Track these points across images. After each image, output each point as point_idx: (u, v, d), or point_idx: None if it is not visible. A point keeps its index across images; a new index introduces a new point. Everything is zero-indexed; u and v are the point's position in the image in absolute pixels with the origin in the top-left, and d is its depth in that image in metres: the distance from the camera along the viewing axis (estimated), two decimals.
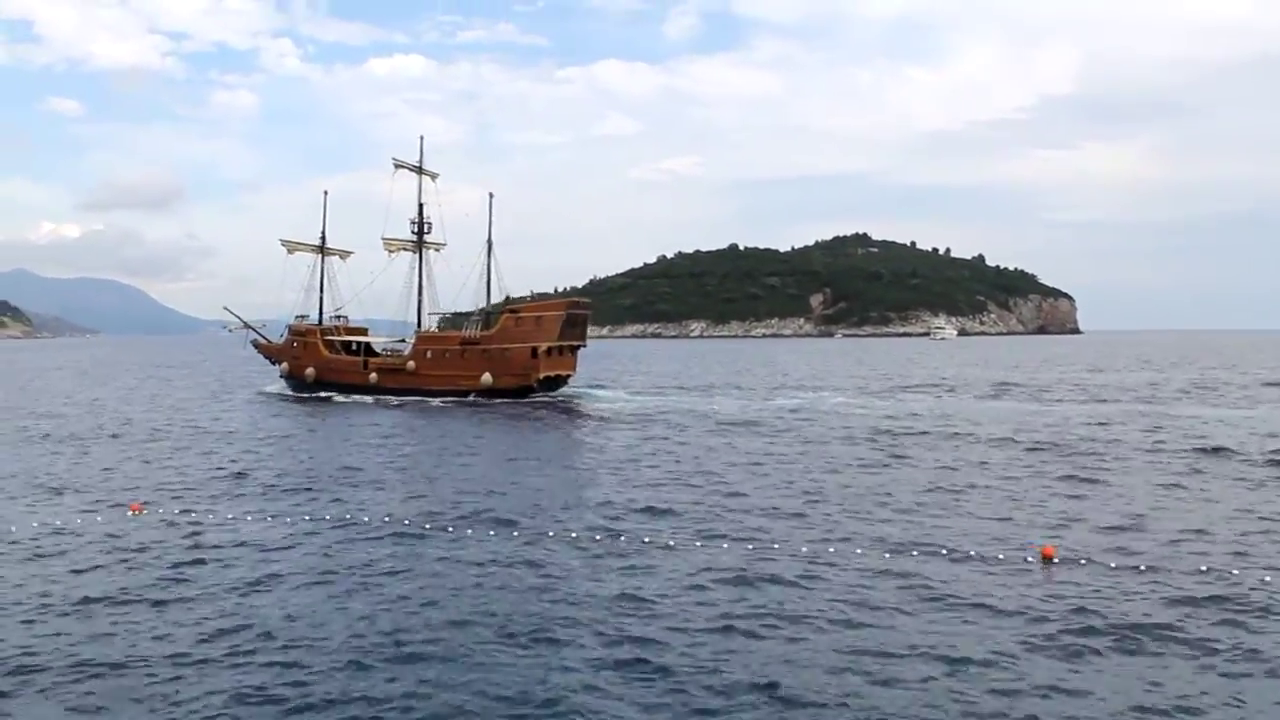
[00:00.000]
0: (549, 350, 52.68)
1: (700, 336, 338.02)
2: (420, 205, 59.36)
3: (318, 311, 61.60)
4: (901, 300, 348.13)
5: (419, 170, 59.24)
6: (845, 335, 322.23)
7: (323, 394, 55.69)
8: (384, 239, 59.08)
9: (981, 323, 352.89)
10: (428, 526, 18.91)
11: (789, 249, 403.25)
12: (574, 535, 18.07)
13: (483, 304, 57.67)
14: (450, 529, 18.64)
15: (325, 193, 63.42)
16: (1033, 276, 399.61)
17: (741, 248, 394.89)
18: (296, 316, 60.90)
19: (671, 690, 10.54)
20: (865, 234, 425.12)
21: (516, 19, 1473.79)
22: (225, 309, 68.31)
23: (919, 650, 11.64)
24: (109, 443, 33.68)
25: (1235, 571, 15.00)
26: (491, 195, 58.51)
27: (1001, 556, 16.17)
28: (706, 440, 33.83)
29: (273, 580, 15.01)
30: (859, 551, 16.63)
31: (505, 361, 52.78)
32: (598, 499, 22.08)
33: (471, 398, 52.14)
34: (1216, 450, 29.50)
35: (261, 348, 63.20)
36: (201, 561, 16.17)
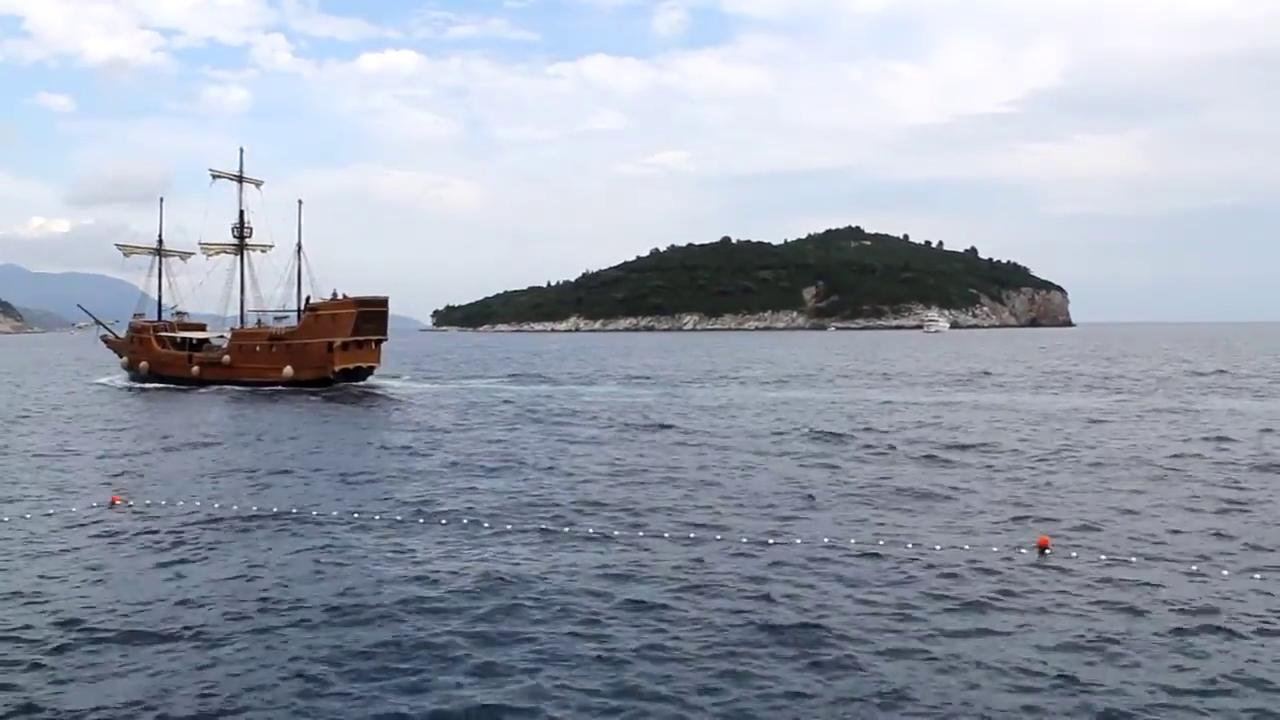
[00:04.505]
0: (344, 345, 56.94)
1: (693, 330, 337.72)
2: (241, 211, 63.58)
3: (157, 309, 65.99)
4: (894, 293, 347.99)
5: (239, 179, 63.55)
6: (838, 328, 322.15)
7: (152, 385, 59.86)
8: (201, 244, 63.72)
9: (974, 315, 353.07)
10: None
11: (781, 242, 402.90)
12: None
13: (291, 304, 61.78)
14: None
15: (161, 200, 67.85)
16: (1025, 269, 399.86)
17: (734, 241, 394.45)
18: (134, 314, 65.82)
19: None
20: (858, 227, 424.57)
21: (507, 14, 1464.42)
22: (79, 306, 73.17)
23: (915, 642, 11.63)
24: None
25: (1225, 570, 14.82)
26: (301, 202, 62.69)
27: (995, 549, 16.15)
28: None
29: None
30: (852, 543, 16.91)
31: (305, 355, 57.13)
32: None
33: (279, 388, 55.94)
34: (1218, 442, 29.64)
35: (109, 343, 67.60)
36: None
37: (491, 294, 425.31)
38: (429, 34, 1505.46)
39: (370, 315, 57.83)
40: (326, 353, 56.48)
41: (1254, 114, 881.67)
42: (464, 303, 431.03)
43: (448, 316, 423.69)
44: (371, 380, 59.65)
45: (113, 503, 20.62)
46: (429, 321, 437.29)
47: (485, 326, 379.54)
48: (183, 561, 15.75)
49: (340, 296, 58.64)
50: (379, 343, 59.71)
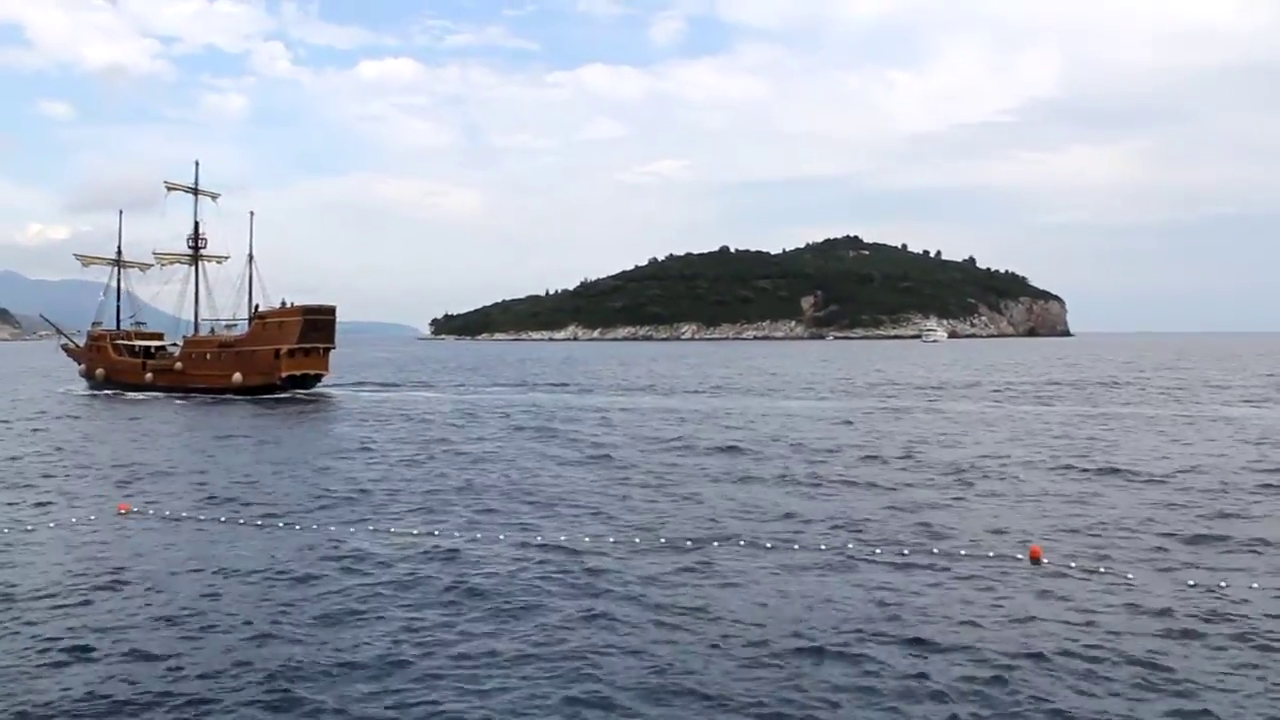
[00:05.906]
0: (291, 352, 58.02)
1: (692, 339, 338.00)
2: (196, 223, 64.86)
3: (115, 318, 66.89)
4: (893, 303, 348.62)
5: (194, 191, 64.74)
6: (836, 337, 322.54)
7: (108, 390, 61.57)
8: (155, 253, 65.59)
9: (972, 325, 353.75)
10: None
11: (780, 251, 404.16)
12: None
13: (243, 312, 63.26)
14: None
15: (120, 212, 68.67)
16: (1023, 279, 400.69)
17: (732, 250, 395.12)
18: (93, 323, 67.36)
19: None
20: (856, 236, 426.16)
21: (505, 23, 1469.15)
22: (41, 316, 73.98)
23: (904, 649, 11.54)
24: None
25: (1222, 582, 14.46)
26: (253, 214, 65.34)
27: (991, 555, 16.06)
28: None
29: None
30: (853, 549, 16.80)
31: (253, 362, 58.57)
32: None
33: (226, 396, 57.24)
34: (1216, 452, 29.56)
35: (69, 351, 69.00)
36: None
37: (490, 303, 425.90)
38: (427, 42, 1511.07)
39: (317, 324, 58.91)
40: (274, 360, 57.76)
41: (1249, 125, 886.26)
42: (462, 311, 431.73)
43: (446, 325, 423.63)
44: (318, 389, 60.33)
45: (120, 510, 20.42)
46: (427, 330, 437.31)
47: (483, 335, 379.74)
48: (201, 569, 15.59)
49: (289, 305, 59.83)
50: (327, 350, 60.80)
